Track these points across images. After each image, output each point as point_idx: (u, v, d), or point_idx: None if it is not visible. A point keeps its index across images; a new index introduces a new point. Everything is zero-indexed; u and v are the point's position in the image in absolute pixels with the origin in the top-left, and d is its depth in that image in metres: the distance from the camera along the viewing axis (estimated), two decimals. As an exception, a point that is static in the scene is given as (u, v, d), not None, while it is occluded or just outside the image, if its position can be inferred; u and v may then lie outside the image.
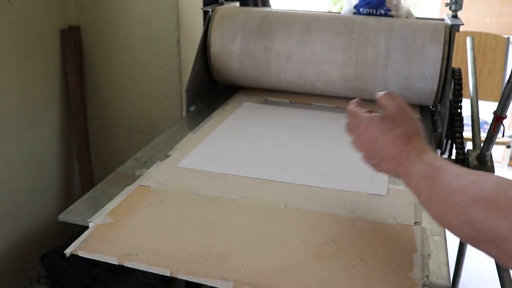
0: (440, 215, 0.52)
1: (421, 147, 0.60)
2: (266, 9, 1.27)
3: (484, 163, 0.91)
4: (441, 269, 0.59)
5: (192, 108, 1.17)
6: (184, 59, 1.50)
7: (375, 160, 0.65)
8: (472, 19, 3.47)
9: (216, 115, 1.10)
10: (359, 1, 1.19)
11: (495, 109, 0.86)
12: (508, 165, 3.19)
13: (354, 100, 0.73)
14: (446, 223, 0.52)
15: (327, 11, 3.17)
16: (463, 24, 1.09)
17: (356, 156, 0.90)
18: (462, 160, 0.93)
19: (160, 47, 1.49)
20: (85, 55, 1.57)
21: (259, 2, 1.87)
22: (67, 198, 1.64)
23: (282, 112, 1.14)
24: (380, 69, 1.10)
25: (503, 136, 0.92)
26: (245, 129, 1.03)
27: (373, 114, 0.69)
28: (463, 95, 1.10)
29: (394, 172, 0.62)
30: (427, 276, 0.58)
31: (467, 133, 1.06)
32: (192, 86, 1.17)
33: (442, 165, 0.55)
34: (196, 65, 1.19)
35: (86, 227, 0.67)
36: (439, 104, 1.15)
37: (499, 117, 0.85)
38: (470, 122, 1.04)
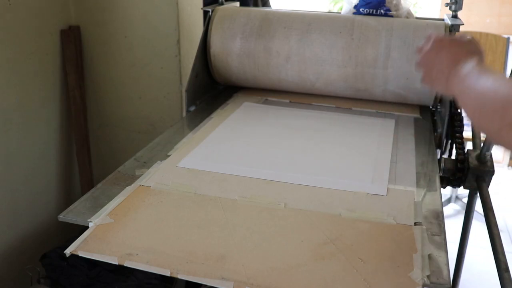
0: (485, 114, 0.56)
1: (481, 60, 0.67)
2: (266, 9, 1.27)
3: (484, 163, 0.91)
4: (441, 269, 0.59)
5: (192, 108, 1.17)
6: (184, 59, 1.50)
7: (432, 67, 0.73)
8: (472, 19, 3.47)
9: (216, 115, 1.10)
10: (359, 1, 1.19)
11: (495, 109, 0.85)
12: (508, 165, 3.19)
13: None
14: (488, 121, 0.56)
15: (327, 11, 3.17)
16: (463, 24, 1.09)
17: (356, 156, 0.90)
18: (462, 160, 0.93)
19: (160, 47, 1.49)
20: (85, 55, 1.57)
21: (259, 2, 1.88)
22: (67, 198, 1.64)
23: (282, 112, 1.14)
24: (380, 69, 1.10)
25: (503, 136, 0.92)
26: (245, 129, 1.03)
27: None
28: (463, 95, 1.10)
29: (446, 78, 0.69)
30: (427, 276, 0.58)
31: (467, 133, 1.06)
32: (192, 86, 1.17)
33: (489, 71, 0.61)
34: (196, 65, 1.19)
35: (86, 227, 0.67)
36: (439, 104, 1.15)
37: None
38: (470, 122, 1.04)
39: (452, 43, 0.74)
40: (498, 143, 0.57)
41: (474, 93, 0.60)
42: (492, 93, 0.56)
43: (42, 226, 1.52)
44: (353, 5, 1.20)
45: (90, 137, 1.64)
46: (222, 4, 1.29)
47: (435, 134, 1.05)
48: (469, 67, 0.64)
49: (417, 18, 1.20)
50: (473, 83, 0.62)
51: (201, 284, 0.59)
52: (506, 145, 0.54)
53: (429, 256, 0.61)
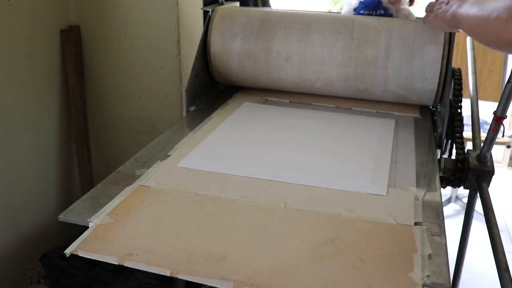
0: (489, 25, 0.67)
1: None
2: (266, 9, 1.27)
3: (484, 163, 0.91)
4: (441, 269, 0.59)
5: (192, 108, 1.17)
6: (184, 58, 1.50)
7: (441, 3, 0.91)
8: (472, 19, 3.46)
9: (216, 115, 1.10)
10: (359, 4, 1.19)
11: (495, 109, 0.86)
12: (508, 165, 3.19)
13: None
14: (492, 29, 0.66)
15: (327, 11, 3.17)
16: (463, 24, 1.09)
17: (356, 156, 0.90)
18: (462, 160, 0.93)
19: (160, 47, 1.49)
20: (85, 55, 1.57)
21: (259, 2, 1.88)
22: (67, 198, 1.64)
23: (282, 112, 1.14)
24: (380, 69, 1.10)
25: (503, 136, 0.92)
26: (245, 129, 1.03)
27: None
28: (463, 95, 1.10)
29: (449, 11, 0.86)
30: (427, 276, 0.58)
31: (467, 133, 1.06)
32: (192, 86, 1.17)
33: None
34: (196, 65, 1.19)
35: (86, 227, 0.67)
36: (439, 104, 1.15)
37: (499, 117, 0.85)
38: (470, 122, 1.04)
39: None
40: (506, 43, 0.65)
41: (481, 6, 0.70)
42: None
43: (42, 226, 1.52)
44: (353, 7, 1.20)
45: (90, 137, 1.65)
46: (222, 4, 1.29)
47: (435, 134, 1.05)
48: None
49: (417, 18, 1.20)
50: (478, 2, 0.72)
51: (201, 284, 0.59)
52: None
53: (429, 256, 0.61)
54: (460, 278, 1.10)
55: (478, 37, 0.73)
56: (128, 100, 1.58)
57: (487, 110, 1.31)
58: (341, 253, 0.62)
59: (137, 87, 1.56)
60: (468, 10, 0.76)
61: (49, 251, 1.31)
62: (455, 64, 1.14)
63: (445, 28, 0.96)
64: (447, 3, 0.90)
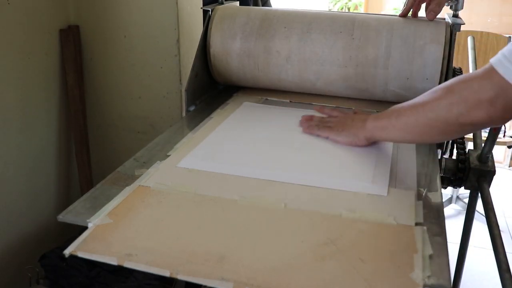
0: (411, 132, 0.79)
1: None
2: (266, 8, 1.27)
3: (485, 163, 0.91)
4: (442, 270, 0.59)
5: (192, 108, 1.17)
6: (184, 58, 1.50)
7: (341, 127, 0.94)
8: (473, 18, 3.46)
9: (216, 115, 1.10)
10: None
11: (496, 109, 0.85)
12: (509, 165, 3.19)
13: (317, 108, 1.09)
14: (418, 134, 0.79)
15: (327, 10, 3.16)
16: (464, 24, 1.09)
17: (356, 156, 0.90)
18: (463, 160, 0.93)
19: (160, 47, 1.48)
20: (84, 55, 1.57)
21: (259, 1, 1.87)
22: (66, 199, 1.63)
23: (282, 112, 1.14)
24: (380, 69, 1.10)
25: (504, 136, 0.92)
26: (245, 129, 1.02)
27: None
28: (464, 95, 1.09)
29: (357, 129, 0.90)
30: (428, 276, 0.58)
31: (468, 133, 1.06)
32: (192, 86, 1.17)
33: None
34: (196, 64, 1.19)
35: (85, 228, 0.67)
36: (439, 104, 1.14)
37: (500, 117, 0.84)
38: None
39: (356, 115, 0.98)
40: (450, 128, 0.73)
41: (409, 109, 0.78)
42: (425, 99, 0.76)
43: (41, 226, 1.52)
44: None
45: (89, 137, 1.64)
46: (222, 3, 1.29)
47: (436, 134, 1.04)
48: (389, 109, 0.84)
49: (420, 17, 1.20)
50: (399, 110, 0.80)
51: (200, 285, 0.59)
52: (460, 119, 0.70)
53: (430, 257, 0.61)
54: (461, 279, 1.10)
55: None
56: (128, 100, 1.58)
57: (487, 110, 1.30)
58: (341, 254, 0.62)
59: (136, 87, 1.56)
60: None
61: (48, 251, 1.31)
62: (456, 63, 1.14)
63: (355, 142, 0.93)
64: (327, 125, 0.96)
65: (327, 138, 0.95)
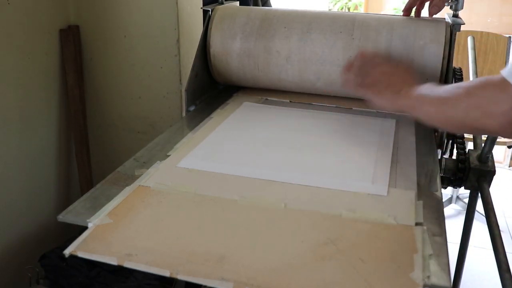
0: (438, 116, 0.77)
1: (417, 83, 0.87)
2: (266, 8, 1.26)
3: (485, 163, 0.91)
4: (442, 270, 0.59)
5: (192, 108, 1.17)
6: (184, 58, 1.50)
7: (380, 86, 0.91)
8: (473, 18, 3.46)
9: (216, 115, 1.10)
10: None
11: (496, 109, 0.85)
12: (509, 166, 3.18)
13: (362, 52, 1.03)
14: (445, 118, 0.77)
15: (327, 10, 3.16)
16: (464, 24, 1.09)
17: (356, 156, 0.90)
18: (463, 160, 0.93)
19: (160, 47, 1.48)
20: (84, 55, 1.57)
21: (259, 2, 1.87)
22: (66, 199, 1.63)
23: (282, 112, 1.14)
24: (380, 68, 1.10)
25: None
26: (245, 129, 1.02)
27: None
28: (464, 95, 1.09)
29: (394, 96, 0.87)
30: (428, 276, 0.58)
31: (468, 133, 1.06)
32: (192, 86, 1.17)
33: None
34: (196, 64, 1.19)
35: (85, 228, 0.67)
36: (439, 104, 1.14)
37: (500, 117, 0.84)
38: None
39: (399, 65, 0.96)
40: (463, 127, 0.75)
41: (437, 94, 0.78)
42: (454, 88, 0.75)
43: (41, 226, 1.52)
44: None
45: (89, 137, 1.64)
46: (222, 3, 1.29)
47: (436, 134, 1.05)
48: (424, 85, 0.84)
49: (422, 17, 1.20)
50: (432, 89, 0.80)
51: (200, 285, 0.59)
52: (473, 123, 0.71)
53: (430, 257, 0.61)
54: (461, 279, 1.10)
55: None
56: (128, 100, 1.58)
57: (487, 110, 1.30)
58: (341, 254, 0.62)
59: (136, 87, 1.56)
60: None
61: (48, 251, 1.31)
62: (456, 63, 1.14)
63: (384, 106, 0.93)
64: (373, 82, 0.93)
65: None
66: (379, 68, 0.95)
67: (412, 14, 1.15)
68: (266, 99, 1.23)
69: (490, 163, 0.91)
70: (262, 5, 1.92)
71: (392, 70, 0.93)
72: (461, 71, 1.14)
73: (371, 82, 0.93)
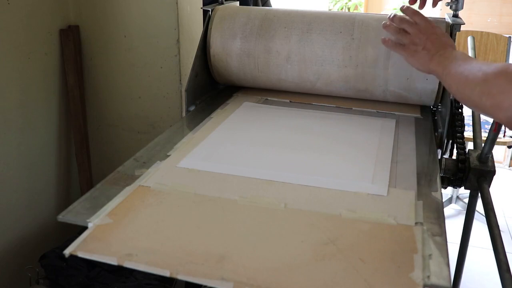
0: (466, 91, 0.76)
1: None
2: (266, 8, 1.26)
3: (485, 163, 0.91)
4: (442, 270, 0.59)
5: (192, 108, 1.17)
6: (184, 58, 1.50)
7: (416, 47, 0.94)
8: (473, 18, 3.46)
9: (216, 115, 1.10)
10: None
11: (496, 109, 0.85)
12: (509, 166, 3.18)
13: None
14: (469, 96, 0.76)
15: (327, 10, 3.16)
16: (464, 24, 1.09)
17: (356, 156, 0.90)
18: (463, 160, 0.93)
19: (160, 47, 1.48)
20: (84, 55, 1.57)
21: (259, 2, 1.87)
22: (66, 199, 1.63)
23: (282, 112, 1.14)
24: (380, 69, 1.10)
25: (504, 136, 0.92)
26: (245, 129, 1.02)
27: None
28: (464, 95, 1.09)
29: (428, 58, 0.91)
30: (428, 276, 0.58)
31: (468, 133, 1.06)
32: (192, 86, 1.17)
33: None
34: (196, 64, 1.19)
35: (85, 228, 0.67)
36: (440, 104, 1.15)
37: (500, 117, 0.84)
38: (471, 122, 1.03)
39: (436, 28, 0.96)
40: (478, 110, 0.75)
41: (462, 70, 0.78)
42: (476, 70, 0.75)
43: (41, 226, 1.52)
44: None
45: (89, 137, 1.64)
46: (222, 3, 1.29)
47: (436, 134, 1.05)
48: (458, 52, 0.86)
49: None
50: (461, 63, 0.81)
51: (200, 285, 0.59)
52: (485, 110, 0.71)
53: (430, 257, 0.61)
54: (461, 279, 1.10)
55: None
56: (128, 100, 1.58)
57: (487, 110, 1.30)
58: (341, 254, 0.62)
59: (136, 87, 1.56)
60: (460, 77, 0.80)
61: (48, 251, 1.31)
62: (455, 64, 1.13)
63: (421, 69, 0.95)
64: (423, 46, 0.94)
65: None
66: (417, 27, 0.96)
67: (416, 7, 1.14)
68: (266, 99, 1.23)
69: (490, 163, 0.91)
70: (262, 5, 1.92)
71: (430, 31, 0.95)
72: (461, 71, 1.14)
73: (409, 42, 0.96)
